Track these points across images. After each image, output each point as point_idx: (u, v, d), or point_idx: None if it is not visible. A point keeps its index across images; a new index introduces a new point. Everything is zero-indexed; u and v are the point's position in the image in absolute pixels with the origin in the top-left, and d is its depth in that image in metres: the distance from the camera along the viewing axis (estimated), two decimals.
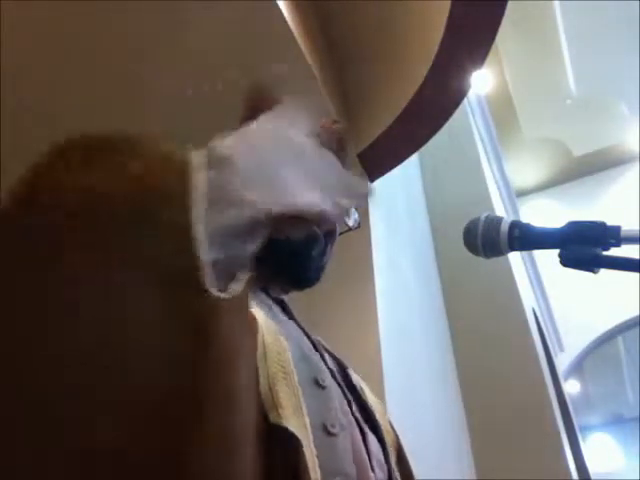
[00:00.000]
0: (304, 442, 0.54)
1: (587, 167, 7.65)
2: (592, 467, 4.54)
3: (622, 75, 6.55)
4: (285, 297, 0.77)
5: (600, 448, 8.56)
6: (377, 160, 2.27)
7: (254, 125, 0.51)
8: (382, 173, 2.36)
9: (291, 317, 0.73)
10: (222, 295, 0.40)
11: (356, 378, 0.74)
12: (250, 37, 1.78)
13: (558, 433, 3.06)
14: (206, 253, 0.39)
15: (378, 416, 0.72)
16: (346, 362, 0.76)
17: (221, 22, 1.74)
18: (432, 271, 3.42)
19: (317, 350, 0.70)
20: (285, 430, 0.53)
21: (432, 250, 3.55)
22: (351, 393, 0.69)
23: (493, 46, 1.98)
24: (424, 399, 2.30)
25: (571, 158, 7.63)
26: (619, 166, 7.62)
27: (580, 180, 7.72)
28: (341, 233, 0.82)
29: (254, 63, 1.91)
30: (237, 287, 0.42)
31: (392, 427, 0.78)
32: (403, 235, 2.87)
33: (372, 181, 2.35)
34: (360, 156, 2.23)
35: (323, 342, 0.77)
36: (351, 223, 0.84)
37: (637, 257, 0.62)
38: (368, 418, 0.69)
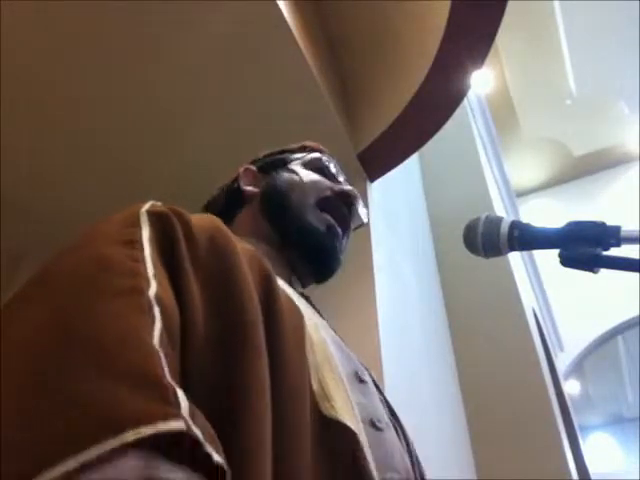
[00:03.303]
0: (360, 436, 0.52)
1: (587, 167, 7.65)
2: (592, 467, 4.54)
3: (622, 75, 6.55)
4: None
5: (600, 448, 8.56)
6: (377, 160, 2.27)
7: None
8: (382, 173, 2.36)
9: (318, 313, 0.73)
10: None
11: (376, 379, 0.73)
12: (250, 37, 1.78)
13: (558, 433, 3.06)
14: None
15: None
16: None
17: (221, 22, 1.74)
18: (432, 271, 3.42)
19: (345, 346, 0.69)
20: (342, 425, 0.51)
21: (432, 250, 3.55)
22: (378, 390, 0.68)
23: (493, 46, 1.98)
24: (424, 399, 2.30)
25: (571, 158, 7.63)
26: (619, 166, 7.62)
27: (580, 180, 7.72)
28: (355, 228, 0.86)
29: (254, 63, 1.91)
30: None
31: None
32: (403, 235, 2.87)
33: (372, 181, 2.35)
34: (360, 156, 2.23)
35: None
36: (364, 220, 0.87)
37: (637, 257, 0.62)
38: (394, 416, 0.67)
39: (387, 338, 1.89)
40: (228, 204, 0.84)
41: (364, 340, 1.81)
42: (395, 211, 2.81)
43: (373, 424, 0.57)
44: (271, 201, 0.80)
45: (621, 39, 6.14)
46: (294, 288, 0.73)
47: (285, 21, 1.72)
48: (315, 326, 0.60)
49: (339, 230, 0.79)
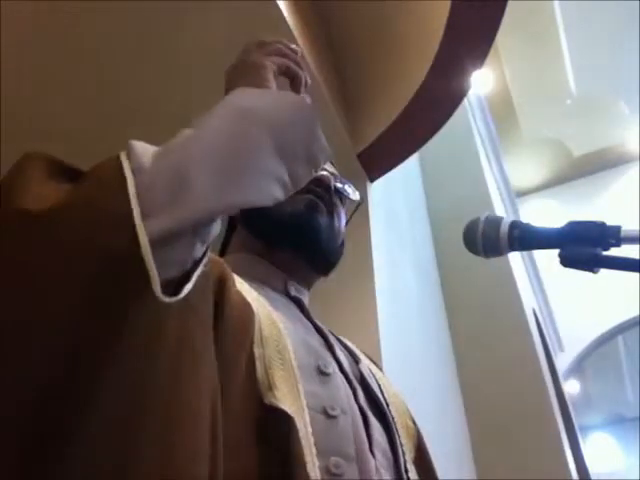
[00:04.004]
0: (298, 421, 0.55)
1: (587, 167, 7.64)
2: (592, 467, 4.53)
3: (622, 75, 6.55)
4: (305, 297, 0.79)
5: (600, 448, 8.55)
6: (377, 160, 2.27)
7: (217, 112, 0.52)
8: (382, 173, 2.36)
9: (306, 314, 0.75)
10: (173, 299, 0.42)
11: (368, 373, 0.75)
12: (250, 37, 1.78)
13: (558, 433, 3.06)
14: (152, 261, 0.40)
15: (394, 410, 0.73)
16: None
17: (221, 22, 1.74)
18: (432, 271, 3.42)
19: (327, 342, 0.71)
20: (278, 409, 0.55)
21: (432, 250, 3.55)
22: (360, 385, 0.70)
23: (493, 46, 1.98)
24: (424, 399, 2.30)
25: (571, 158, 7.62)
26: (619, 166, 7.61)
27: (580, 180, 7.71)
28: (349, 219, 0.86)
29: None
30: (189, 287, 0.44)
31: (415, 424, 0.79)
32: (403, 235, 2.87)
33: (372, 181, 2.35)
34: (360, 156, 2.23)
35: (346, 341, 0.79)
36: (355, 197, 0.87)
37: (637, 257, 0.62)
38: (377, 409, 0.69)
39: (387, 338, 1.89)
40: (227, 232, 0.88)
41: (364, 340, 1.81)
42: (395, 211, 2.81)
43: (325, 412, 0.60)
44: (244, 212, 0.80)
45: (621, 39, 6.14)
46: (288, 291, 0.77)
47: (285, 21, 1.72)
48: (271, 320, 0.63)
49: (321, 204, 0.79)
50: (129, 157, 0.46)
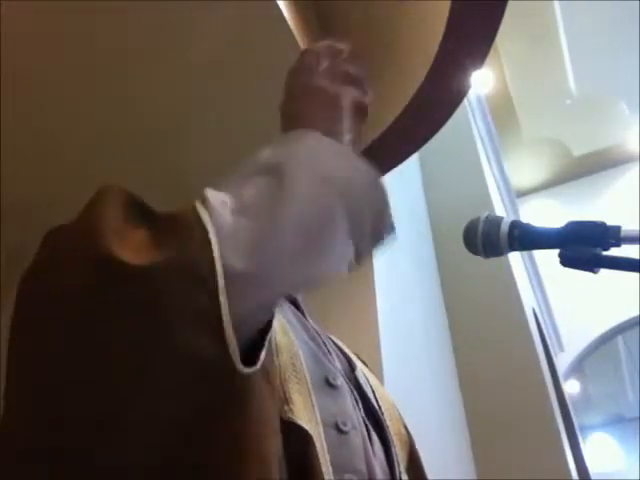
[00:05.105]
0: (315, 437, 0.54)
1: (587, 167, 7.64)
2: (592, 467, 4.53)
3: (622, 75, 6.55)
4: (299, 295, 0.78)
5: (600, 448, 8.56)
6: (377, 160, 2.25)
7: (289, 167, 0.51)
8: (382, 173, 2.35)
9: (303, 316, 0.74)
10: (250, 370, 0.42)
11: (364, 380, 0.73)
12: (250, 37, 1.78)
13: (558, 433, 3.06)
14: (233, 337, 0.41)
15: (388, 418, 0.71)
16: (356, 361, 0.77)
17: (221, 22, 1.74)
18: (432, 271, 3.42)
19: (327, 349, 0.70)
20: (296, 425, 0.54)
21: (432, 250, 3.55)
22: (358, 394, 0.69)
23: (493, 46, 1.98)
24: (424, 399, 2.30)
25: (571, 158, 7.62)
26: (619, 166, 7.61)
27: (580, 180, 7.71)
28: None
29: (254, 63, 1.91)
30: (262, 355, 0.45)
31: (407, 430, 0.77)
32: (403, 235, 2.87)
33: None
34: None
35: (336, 340, 0.78)
36: None
37: (637, 257, 0.62)
38: (374, 419, 0.68)
39: (387, 338, 1.89)
40: None
41: (364, 340, 1.81)
42: (395, 211, 2.81)
43: (337, 427, 0.59)
44: None
45: (621, 39, 6.14)
46: None
47: (285, 21, 1.72)
48: (283, 329, 0.62)
49: None
50: (208, 211, 0.45)
